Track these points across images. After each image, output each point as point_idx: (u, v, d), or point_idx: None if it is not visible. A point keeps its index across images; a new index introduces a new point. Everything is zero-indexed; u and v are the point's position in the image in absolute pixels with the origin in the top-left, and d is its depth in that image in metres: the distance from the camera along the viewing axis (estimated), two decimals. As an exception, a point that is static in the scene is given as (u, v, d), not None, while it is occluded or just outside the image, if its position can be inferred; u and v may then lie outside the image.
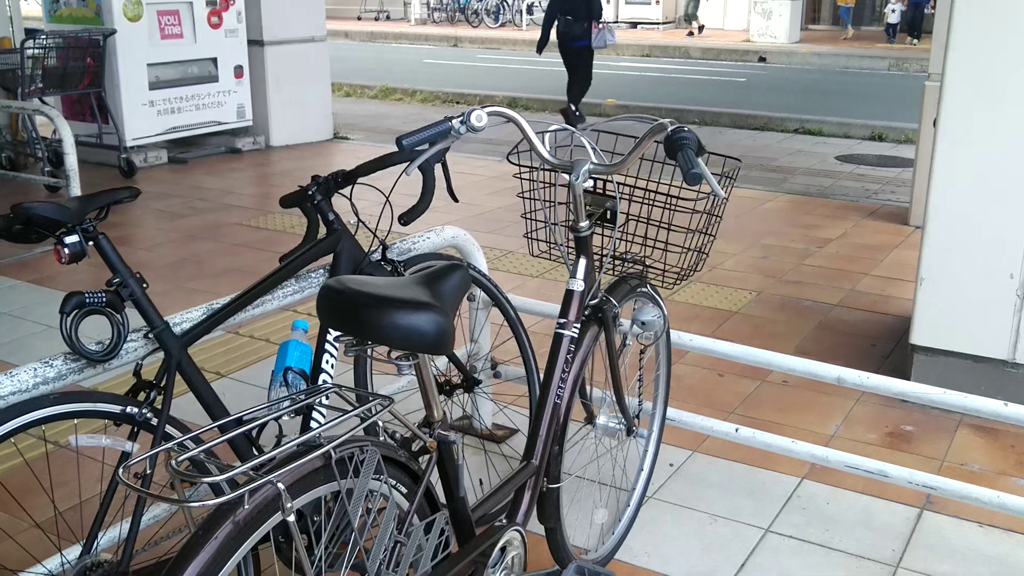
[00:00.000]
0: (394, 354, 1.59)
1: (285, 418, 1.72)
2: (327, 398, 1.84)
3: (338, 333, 2.33)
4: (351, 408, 1.53)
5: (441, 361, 2.91)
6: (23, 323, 4.40)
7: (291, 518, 1.33)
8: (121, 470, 1.35)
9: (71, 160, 5.64)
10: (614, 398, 2.50)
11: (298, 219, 6.29)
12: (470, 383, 2.83)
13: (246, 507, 1.30)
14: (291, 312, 4.32)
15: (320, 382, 2.36)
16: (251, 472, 1.30)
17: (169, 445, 1.32)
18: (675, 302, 4.71)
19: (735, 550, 2.72)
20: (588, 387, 2.49)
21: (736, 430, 2.93)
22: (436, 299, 1.57)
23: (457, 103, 12.75)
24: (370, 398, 1.55)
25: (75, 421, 1.95)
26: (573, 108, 10.50)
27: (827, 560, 2.67)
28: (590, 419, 2.54)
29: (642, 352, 2.60)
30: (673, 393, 3.10)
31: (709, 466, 3.18)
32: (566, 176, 2.16)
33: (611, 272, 2.44)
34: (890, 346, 4.14)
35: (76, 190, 5.67)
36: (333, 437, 1.45)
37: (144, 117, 7.64)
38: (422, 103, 12.85)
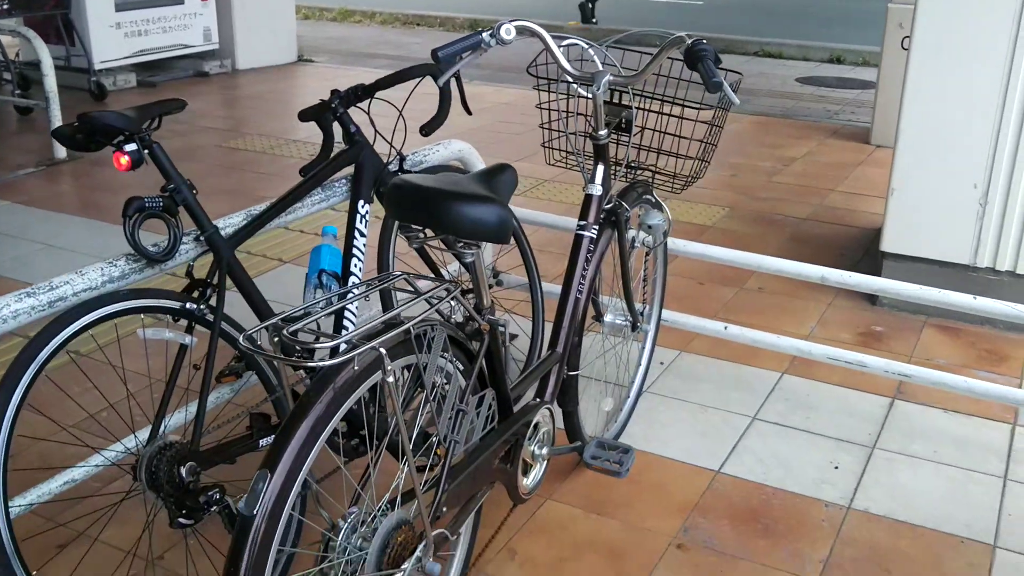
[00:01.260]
0: (459, 244, 1.77)
1: (324, 317, 1.91)
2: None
3: (368, 212, 2.48)
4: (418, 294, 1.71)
5: (452, 266, 3.09)
6: (21, 242, 4.48)
7: (390, 378, 1.52)
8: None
9: (50, 82, 5.64)
10: (623, 296, 2.70)
11: (275, 141, 6.37)
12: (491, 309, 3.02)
13: (355, 367, 1.49)
14: (300, 232, 4.46)
15: (350, 283, 2.53)
16: (353, 341, 1.49)
17: (276, 319, 1.49)
18: (653, 217, 4.92)
19: (726, 435, 2.97)
20: (599, 290, 2.70)
21: (725, 328, 3.17)
22: (496, 193, 1.75)
23: (418, 25, 12.70)
24: (440, 284, 1.73)
25: (142, 316, 2.11)
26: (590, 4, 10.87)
27: (810, 442, 2.94)
28: (599, 317, 2.76)
29: (646, 255, 2.81)
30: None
31: (697, 363, 3.43)
32: (587, 88, 2.33)
33: (623, 179, 2.63)
34: (859, 255, 4.41)
35: (56, 113, 5.68)
36: (411, 317, 1.64)
37: (111, 39, 7.58)
38: (382, 25, 12.78)
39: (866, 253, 4.40)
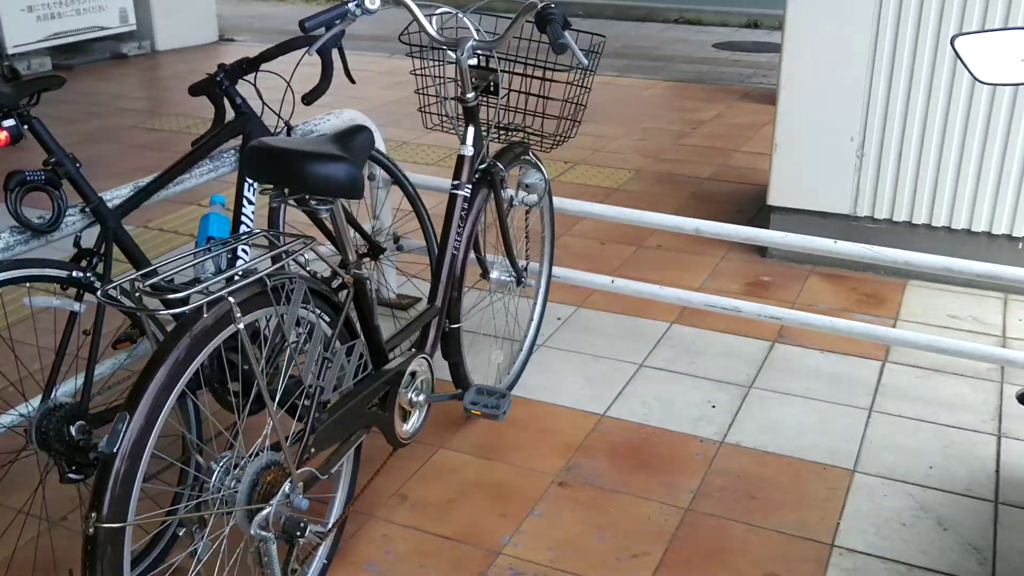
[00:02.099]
0: (313, 200, 1.89)
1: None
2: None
3: (259, 188, 2.59)
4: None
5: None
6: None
7: (241, 326, 1.64)
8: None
9: (-42, 67, 5.60)
10: (504, 252, 2.84)
11: (194, 120, 6.40)
12: (375, 251, 3.14)
13: (205, 316, 1.61)
14: (197, 206, 4.53)
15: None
16: (210, 291, 1.61)
17: (136, 274, 1.60)
18: (563, 182, 5.08)
19: (615, 381, 3.14)
20: (483, 249, 2.84)
21: (612, 281, 3.33)
22: (347, 152, 1.87)
23: (345, 1, 12.65)
24: (292, 238, 1.85)
25: (28, 285, 2.20)
26: None
27: (693, 384, 3.12)
28: (485, 274, 2.89)
29: (527, 213, 2.94)
30: (561, 260, 3.47)
31: (593, 317, 3.59)
32: (452, 53, 2.45)
33: (497, 141, 2.76)
34: (754, 211, 4.60)
35: (-34, 97, 5.64)
36: (266, 269, 1.76)
37: (23, 23, 7.51)
38: (307, 2, 12.73)
39: (761, 209, 4.58)
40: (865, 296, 3.74)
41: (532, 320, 3.20)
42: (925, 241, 3.73)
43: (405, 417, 2.36)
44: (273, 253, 1.79)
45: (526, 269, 2.97)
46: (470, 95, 2.49)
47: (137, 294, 1.60)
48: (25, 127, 2.27)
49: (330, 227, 2.04)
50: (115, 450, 1.52)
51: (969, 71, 1.82)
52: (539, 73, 2.62)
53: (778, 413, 2.95)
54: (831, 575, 2.29)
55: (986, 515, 2.50)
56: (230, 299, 1.62)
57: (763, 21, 10.17)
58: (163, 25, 8.63)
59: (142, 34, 8.51)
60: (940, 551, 2.37)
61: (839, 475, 2.66)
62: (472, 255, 2.73)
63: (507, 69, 2.61)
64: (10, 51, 7.37)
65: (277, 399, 1.86)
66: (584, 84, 2.70)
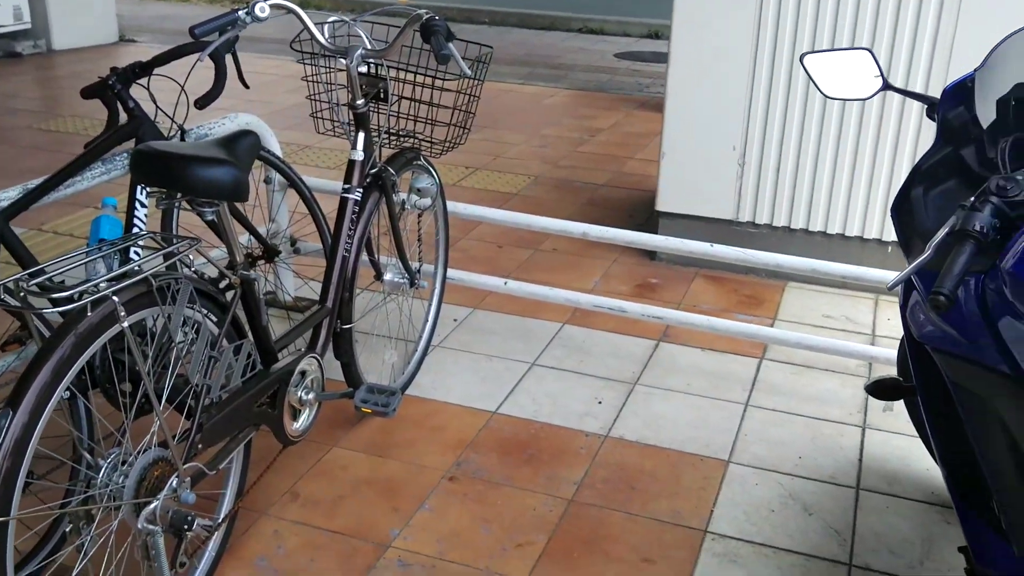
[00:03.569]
0: (198, 203, 1.94)
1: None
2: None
3: (148, 191, 2.62)
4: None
5: (243, 238, 3.24)
6: None
7: (126, 324, 1.69)
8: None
9: None
10: (396, 255, 2.92)
11: (90, 121, 6.31)
12: (270, 253, 3.19)
13: (89, 315, 1.65)
14: (93, 209, 4.50)
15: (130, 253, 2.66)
16: (95, 290, 1.65)
17: (20, 275, 1.64)
18: (463, 187, 5.18)
19: (506, 380, 3.24)
20: (376, 251, 2.91)
21: (505, 283, 3.44)
22: (232, 156, 1.93)
23: (247, 2, 12.53)
24: (179, 240, 1.90)
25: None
26: None
27: (580, 381, 3.24)
28: (378, 276, 2.97)
29: (420, 216, 3.03)
30: (459, 263, 3.57)
31: (488, 319, 3.69)
32: (343, 60, 2.52)
33: (389, 147, 2.84)
34: (645, 216, 4.76)
35: None
36: (151, 269, 1.81)
37: (-90, 19, 7.29)
38: (210, 3, 12.58)
39: (652, 214, 4.76)
40: (746, 297, 3.93)
41: (427, 321, 3.29)
42: (802, 245, 3.93)
43: (295, 415, 2.42)
44: (159, 254, 1.84)
45: (419, 271, 3.06)
46: (360, 101, 2.57)
47: (22, 293, 1.63)
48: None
49: (217, 230, 2.09)
50: (-2, 445, 1.56)
51: (816, 86, 1.98)
52: (429, 82, 2.70)
53: (660, 408, 3.10)
54: (703, 559, 2.43)
55: (848, 500, 2.67)
56: (114, 298, 1.67)
57: (664, 31, 10.44)
58: (60, 24, 8.45)
59: (37, 32, 8.33)
60: (805, 535, 2.53)
61: (714, 466, 2.81)
62: (366, 257, 2.81)
63: (397, 77, 2.69)
64: None
65: (164, 397, 1.91)
66: (473, 93, 2.80)
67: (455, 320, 3.67)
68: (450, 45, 2.29)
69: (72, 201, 4.49)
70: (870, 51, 1.96)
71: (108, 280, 1.73)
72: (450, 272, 3.43)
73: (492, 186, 5.23)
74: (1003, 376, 1.50)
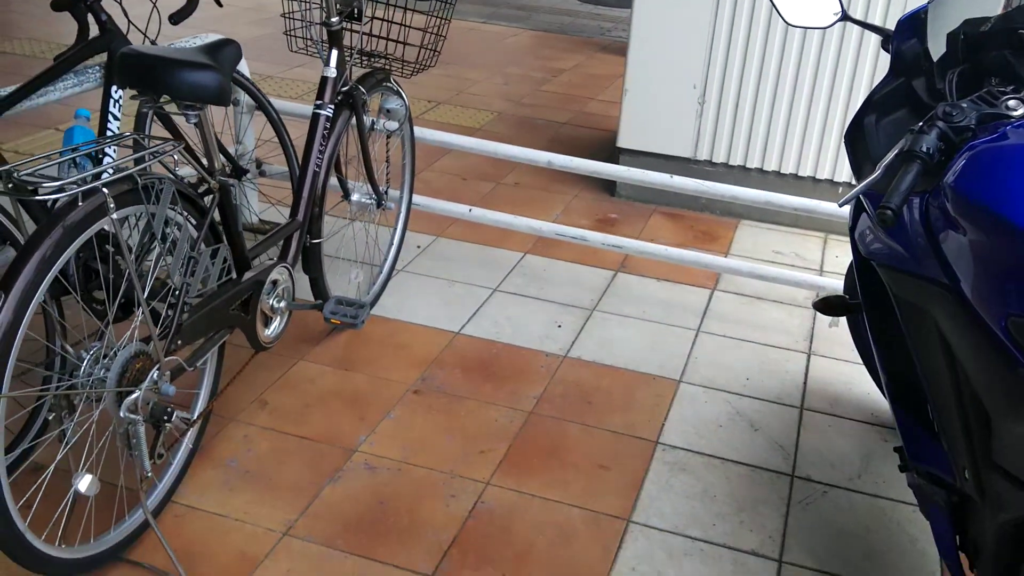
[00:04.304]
0: (182, 106, 2.00)
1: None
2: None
3: (131, 96, 2.65)
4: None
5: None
6: None
7: (114, 215, 1.75)
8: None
9: None
10: (365, 175, 2.99)
11: (47, 45, 6.21)
12: (238, 172, 3.23)
13: (80, 205, 1.71)
14: (55, 130, 4.48)
15: (104, 163, 2.69)
16: (83, 183, 1.71)
17: (11, 165, 1.69)
18: (426, 120, 5.22)
19: (469, 304, 3.34)
20: (344, 171, 2.97)
21: (470, 211, 3.52)
22: (215, 62, 1.98)
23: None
24: (164, 142, 1.96)
25: None
26: None
27: (540, 307, 3.35)
28: (346, 196, 3.03)
29: (388, 138, 3.09)
30: (423, 193, 3.63)
31: (450, 247, 3.77)
32: (318, -22, 2.57)
33: (360, 66, 2.89)
34: (606, 155, 4.84)
35: None
36: (137, 168, 1.87)
37: None
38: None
39: (613, 152, 4.85)
40: (701, 233, 4.05)
41: (392, 244, 3.36)
42: (757, 184, 4.05)
43: (267, 323, 2.50)
44: (143, 153, 1.90)
45: (386, 194, 3.13)
46: (334, 19, 2.61)
47: (11, 185, 1.68)
48: None
49: (195, 135, 2.15)
50: (-11, 327, 1.62)
51: (779, 13, 2.08)
52: (401, 2, 2.75)
53: (616, 333, 3.22)
54: (654, 467, 2.57)
55: (792, 419, 2.82)
56: (104, 190, 1.73)
57: (626, -22, 10.46)
58: (12, -54, 8.24)
59: (-11, -46, 8.11)
60: (751, 448, 2.68)
61: (666, 385, 2.94)
62: (334, 179, 2.87)
63: (371, -2, 2.74)
64: None
65: (146, 294, 1.97)
66: (443, 16, 2.85)
67: (418, 247, 3.75)
68: (424, -36, 2.34)
69: (33, 121, 4.48)
70: (831, -18, 2.06)
71: (93, 177, 1.78)
72: (415, 198, 3.50)
73: (455, 120, 5.28)
74: (943, 287, 1.62)
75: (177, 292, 2.01)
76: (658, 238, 3.96)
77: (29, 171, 1.70)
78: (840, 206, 1.77)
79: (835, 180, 4.04)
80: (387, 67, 2.93)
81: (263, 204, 3.75)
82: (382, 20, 2.78)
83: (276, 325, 2.53)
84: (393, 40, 2.82)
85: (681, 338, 3.21)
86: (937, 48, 1.99)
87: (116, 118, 2.74)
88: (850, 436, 2.75)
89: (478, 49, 6.92)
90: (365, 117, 2.86)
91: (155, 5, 2.77)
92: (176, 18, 2.78)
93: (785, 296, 3.51)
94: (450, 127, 5.13)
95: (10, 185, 1.67)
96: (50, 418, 1.93)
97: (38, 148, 4.38)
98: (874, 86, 2.12)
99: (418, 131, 3.42)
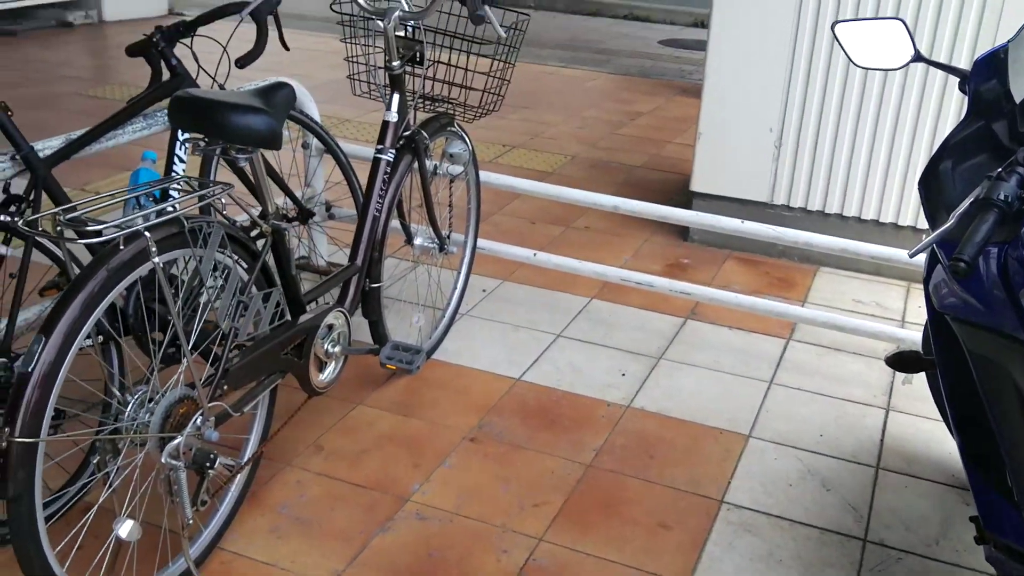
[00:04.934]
0: (233, 149, 1.99)
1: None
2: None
3: (187, 139, 2.68)
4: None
5: (279, 200, 3.29)
6: None
7: (157, 259, 1.74)
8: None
9: None
10: (427, 218, 2.96)
11: (135, 89, 6.39)
12: (304, 216, 3.24)
13: (121, 249, 1.70)
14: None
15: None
16: (127, 226, 1.70)
17: (56, 209, 1.69)
18: (500, 164, 5.20)
19: (531, 349, 3.27)
20: (407, 216, 2.96)
21: (534, 255, 3.46)
22: (268, 106, 1.97)
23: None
24: (213, 185, 1.95)
25: (-45, 226, 2.27)
26: None
27: (605, 354, 3.26)
28: (409, 240, 3.01)
29: (452, 182, 3.06)
30: (490, 236, 3.60)
31: (516, 291, 3.72)
32: (380, 22, 2.56)
33: (423, 110, 2.88)
34: (680, 199, 4.75)
35: (-96, 55, 5.62)
36: (184, 210, 1.86)
37: (-32, -14, 7.46)
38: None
39: (687, 196, 4.75)
40: (777, 280, 3.92)
41: (455, 288, 3.32)
42: (836, 230, 3.91)
43: (321, 367, 2.47)
44: (191, 196, 1.89)
45: (449, 238, 3.09)
46: (395, 63, 2.60)
47: (59, 228, 1.69)
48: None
49: (250, 177, 2.14)
50: (30, 369, 1.62)
51: (847, 55, 1.98)
52: (465, 47, 2.73)
53: (683, 382, 3.11)
54: (718, 527, 2.45)
55: (867, 479, 2.67)
56: (147, 234, 1.72)
57: (709, 21, 10.36)
58: (111, -5, 8.60)
59: (89, 3, 8.47)
60: (822, 509, 2.54)
61: (734, 439, 2.82)
62: (397, 222, 2.85)
63: (434, 42, 2.72)
64: (-48, 13, 7.30)
65: (192, 340, 1.96)
66: (508, 60, 2.82)
67: (484, 290, 3.70)
68: (486, 7, 2.32)
69: (111, 163, 4.59)
70: (903, 21, 1.96)
71: (141, 218, 1.78)
72: (480, 242, 3.46)
73: (529, 164, 5.25)
74: (1020, 344, 1.50)
75: (225, 336, 1.99)
76: (732, 284, 3.85)
77: (79, 214, 1.70)
78: (911, 256, 1.67)
79: (918, 227, 3.87)
80: (450, 111, 2.91)
81: (332, 247, 3.75)
82: (445, 64, 2.76)
83: (331, 370, 2.50)
84: (456, 84, 2.80)
85: (752, 389, 3.09)
86: (1020, 88, 1.87)
87: (181, 160, 2.77)
88: (928, 498, 2.59)
89: (556, 93, 6.91)
90: (428, 161, 2.83)
91: (225, 49, 2.80)
92: (243, 62, 2.81)
93: (864, 347, 3.36)
94: (524, 171, 5.10)
95: (57, 228, 1.68)
96: (95, 461, 1.92)
97: (116, 188, 4.49)
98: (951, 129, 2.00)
99: (485, 175, 3.39)
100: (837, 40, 1.98)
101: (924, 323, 2.54)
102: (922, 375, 2.81)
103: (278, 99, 2.04)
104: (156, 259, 1.74)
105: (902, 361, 2.23)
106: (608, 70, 7.88)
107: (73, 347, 1.67)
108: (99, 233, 1.65)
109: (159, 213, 1.80)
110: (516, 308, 3.57)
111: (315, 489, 2.52)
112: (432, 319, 3.26)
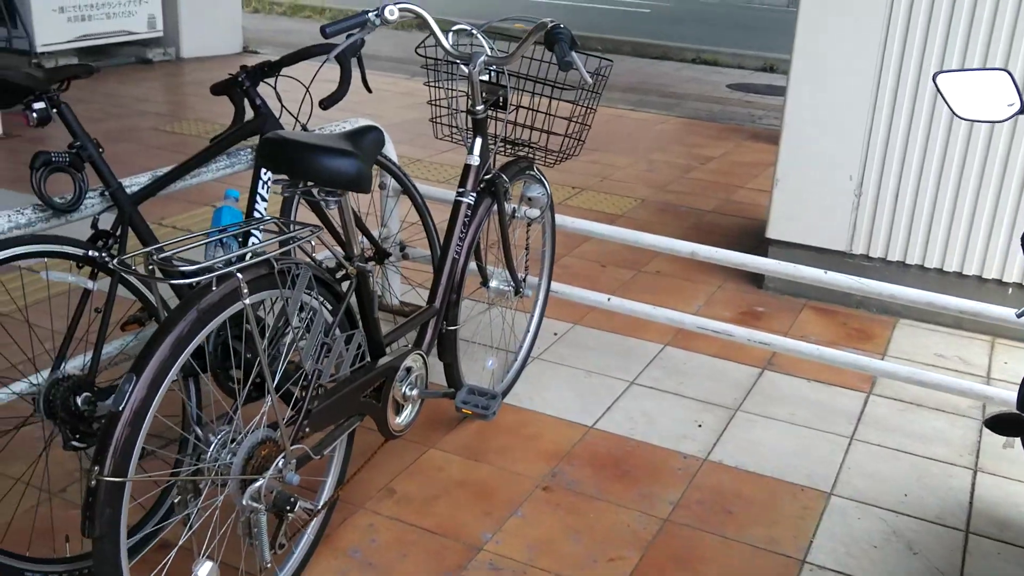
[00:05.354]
0: (322, 192, 1.99)
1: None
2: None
3: (273, 180, 2.70)
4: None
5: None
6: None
7: (247, 301, 1.74)
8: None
9: (-12, 60, 5.78)
10: (503, 261, 2.94)
11: (212, 125, 6.54)
12: (381, 256, 3.25)
13: (213, 289, 1.70)
14: (211, 207, 4.65)
15: (249, 244, 2.74)
16: (217, 267, 1.70)
17: (148, 249, 1.70)
18: (569, 206, 5.18)
19: (603, 396, 3.22)
20: (484, 258, 2.94)
21: (608, 299, 3.42)
22: (357, 149, 1.98)
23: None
24: (302, 227, 1.95)
25: (45, 260, 2.30)
26: None
27: (679, 403, 3.20)
28: (485, 282, 2.99)
29: (529, 226, 3.04)
30: (561, 279, 3.57)
31: (588, 335, 3.68)
32: (465, 67, 2.57)
33: (504, 154, 2.87)
34: (753, 245, 4.68)
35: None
36: (274, 252, 1.86)
37: (54, 23, 7.69)
38: (332, 20, 12.94)
39: (760, 243, 4.68)
40: (855, 331, 3.83)
41: (528, 332, 3.29)
42: (917, 281, 3.81)
43: (398, 410, 2.45)
44: (281, 238, 1.89)
45: (524, 282, 3.07)
46: (479, 107, 2.60)
47: (151, 267, 1.70)
48: (54, 111, 2.38)
49: (337, 220, 2.14)
50: (120, 408, 1.62)
51: (949, 107, 1.93)
52: (547, 92, 2.72)
53: (761, 435, 3.03)
54: (800, 589, 2.37)
55: (956, 543, 2.57)
56: (238, 275, 1.72)
57: (778, 65, 10.31)
58: (189, 33, 8.81)
59: (168, 41, 8.69)
60: (908, 573, 2.44)
61: (814, 496, 2.74)
62: (473, 264, 2.83)
63: (516, 86, 2.72)
64: (39, 50, 7.53)
65: (276, 380, 1.95)
66: (590, 105, 2.80)
67: (555, 334, 3.67)
68: (572, 53, 2.31)
69: (191, 198, 4.67)
70: (1009, 73, 1.90)
71: (233, 259, 1.78)
72: (553, 285, 3.43)
73: (598, 206, 5.23)
74: None
75: (308, 378, 1.98)
76: (808, 335, 3.76)
77: (169, 253, 1.71)
78: (1019, 316, 1.60)
79: (1004, 280, 3.76)
80: (530, 155, 2.90)
81: (404, 286, 3.76)
82: (527, 109, 2.76)
83: (408, 413, 2.48)
84: (537, 129, 2.79)
85: (832, 445, 3.00)
86: None
87: (263, 199, 2.79)
88: (1022, 567, 2.48)
89: (625, 136, 6.90)
90: (507, 205, 2.82)
91: (307, 90, 2.83)
92: (326, 103, 2.83)
93: (947, 403, 3.25)
94: (593, 213, 5.08)
95: (149, 267, 1.69)
96: (176, 501, 1.91)
97: (194, 224, 4.56)
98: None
99: (559, 218, 3.37)
100: (939, 91, 1.93)
101: (1022, 380, 2.44)
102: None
103: (367, 142, 2.04)
104: (246, 301, 1.74)
105: (1001, 424, 2.14)
106: (677, 113, 7.85)
107: (163, 386, 1.67)
108: (196, 274, 1.65)
109: (252, 255, 1.80)
110: (587, 353, 3.53)
111: (386, 534, 2.49)
112: (504, 362, 3.23)
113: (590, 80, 2.45)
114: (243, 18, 9.49)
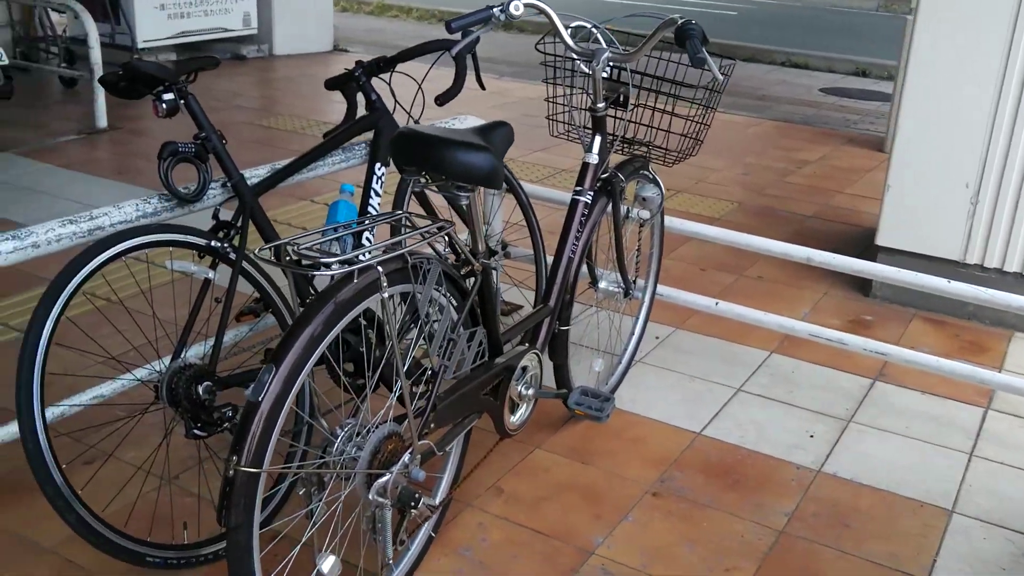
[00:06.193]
0: (455, 187, 1.97)
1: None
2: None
3: (384, 174, 2.69)
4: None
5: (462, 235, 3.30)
6: (59, 200, 4.74)
7: (385, 294, 1.72)
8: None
9: (95, 54, 5.92)
10: (615, 262, 2.90)
11: (303, 121, 6.61)
12: (487, 255, 3.22)
13: (355, 281, 1.69)
14: (310, 202, 4.69)
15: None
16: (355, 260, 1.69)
17: (289, 239, 1.70)
18: (665, 208, 5.09)
19: (709, 402, 3.16)
20: (595, 258, 2.90)
21: (716, 304, 3.35)
22: (490, 144, 1.95)
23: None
24: (436, 222, 1.93)
25: (170, 249, 2.33)
26: None
27: (788, 413, 3.12)
28: (594, 283, 2.95)
29: (640, 227, 3.00)
30: (661, 281, 3.50)
31: (691, 340, 3.61)
32: (586, 64, 2.53)
33: (619, 153, 2.83)
34: (857, 252, 4.55)
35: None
36: (408, 247, 1.84)
37: (155, 20, 7.86)
38: (418, 20, 13.03)
39: (865, 249, 4.55)
40: (968, 343, 3.69)
41: (633, 334, 3.24)
42: (1035, 293, 3.67)
43: (513, 409, 2.42)
44: (414, 233, 1.88)
45: (635, 283, 3.02)
46: (600, 105, 2.56)
47: (287, 258, 1.69)
48: (182, 102, 2.41)
49: (467, 215, 2.12)
50: (260, 399, 1.61)
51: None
52: (668, 89, 2.67)
53: (876, 448, 2.94)
54: (925, 610, 2.28)
55: (1088, 569, 2.45)
56: (378, 268, 1.71)
57: (871, 70, 10.07)
58: (282, 31, 8.95)
59: (262, 38, 8.83)
60: (1038, 599, 2.33)
61: (935, 513, 2.64)
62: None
63: (636, 84, 2.67)
64: (140, 45, 7.71)
65: (404, 371, 1.93)
66: (709, 105, 2.74)
67: (657, 338, 3.61)
68: (704, 49, 2.25)
69: (294, 193, 4.70)
70: None
71: (367, 253, 1.77)
72: (659, 288, 3.37)
73: (695, 209, 5.15)
74: None
75: (435, 373, 1.96)
76: (919, 345, 3.64)
77: (308, 244, 1.71)
78: None
79: None
80: (647, 155, 2.85)
81: (504, 284, 3.73)
82: (646, 107, 2.71)
83: (522, 412, 2.45)
84: (657, 128, 2.74)
85: (951, 461, 2.89)
86: None
87: (377, 194, 2.79)
88: None
89: (718, 138, 6.77)
90: (621, 205, 2.78)
91: (420, 86, 2.82)
92: (442, 99, 2.82)
93: (1072, 422, 3.11)
94: (689, 215, 4.99)
95: (288, 258, 1.68)
96: (300, 493, 1.91)
97: (296, 218, 4.60)
98: None
99: (668, 222, 3.31)
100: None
101: None
102: None
103: (498, 137, 2.02)
104: (385, 293, 1.73)
105: None
106: (769, 116, 7.70)
107: (300, 378, 1.67)
108: (341, 265, 1.64)
109: (387, 249, 1.79)
110: (690, 358, 3.46)
111: (496, 533, 2.46)
112: (609, 364, 3.19)
113: (720, 77, 2.40)
114: (334, 17, 9.59)
